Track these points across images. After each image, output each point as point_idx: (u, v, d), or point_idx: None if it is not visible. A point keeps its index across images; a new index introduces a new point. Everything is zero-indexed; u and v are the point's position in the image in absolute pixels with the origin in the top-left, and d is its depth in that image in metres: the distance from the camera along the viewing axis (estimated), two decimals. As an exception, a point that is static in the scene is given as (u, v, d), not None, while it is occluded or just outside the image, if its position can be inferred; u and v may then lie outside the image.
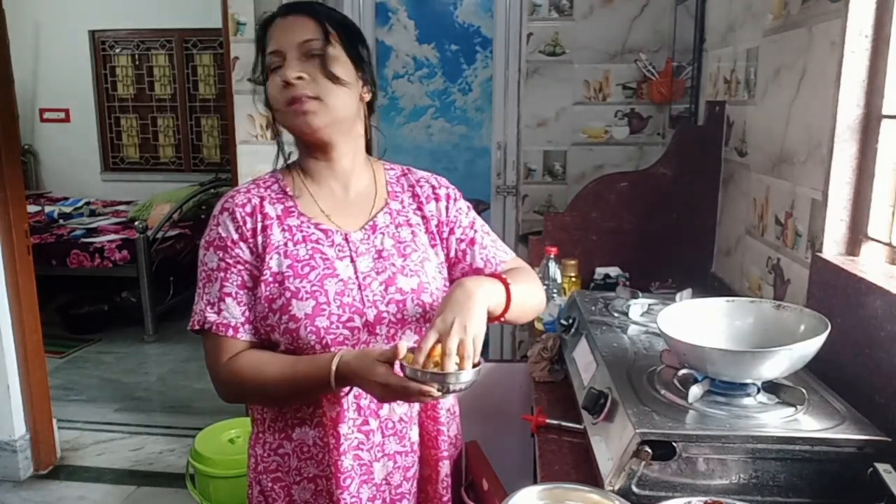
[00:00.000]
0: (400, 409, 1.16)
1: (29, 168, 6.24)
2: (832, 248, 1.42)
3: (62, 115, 6.31)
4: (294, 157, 1.20)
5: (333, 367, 1.00)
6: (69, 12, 6.02)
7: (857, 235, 1.39)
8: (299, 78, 1.06)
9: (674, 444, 1.03)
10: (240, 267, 1.09)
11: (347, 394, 1.08)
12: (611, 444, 1.11)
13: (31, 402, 2.89)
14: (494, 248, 1.24)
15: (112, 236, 4.84)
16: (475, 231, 1.24)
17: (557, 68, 2.91)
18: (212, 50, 6.03)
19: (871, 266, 1.33)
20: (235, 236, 1.09)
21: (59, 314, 4.66)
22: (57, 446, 3.06)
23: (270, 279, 1.08)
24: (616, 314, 1.63)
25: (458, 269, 1.22)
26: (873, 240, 1.36)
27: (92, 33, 6.16)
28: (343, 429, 1.09)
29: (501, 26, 3.06)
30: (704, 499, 0.98)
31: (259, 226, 1.10)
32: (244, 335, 1.09)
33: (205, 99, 6.19)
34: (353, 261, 1.12)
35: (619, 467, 1.04)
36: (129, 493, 2.83)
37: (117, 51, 6.25)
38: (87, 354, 4.41)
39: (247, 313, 1.09)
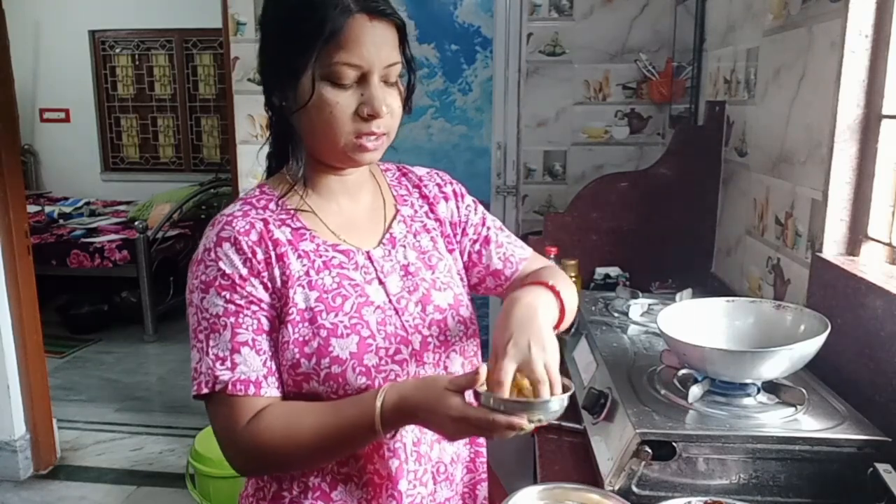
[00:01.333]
0: (451, 448, 1.01)
1: (29, 168, 6.24)
2: (832, 248, 1.42)
3: (62, 115, 6.30)
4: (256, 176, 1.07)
5: (378, 404, 0.83)
6: (69, 12, 6.02)
7: (857, 235, 1.39)
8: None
9: (674, 444, 1.03)
10: (254, 308, 0.89)
11: (394, 436, 0.90)
12: (611, 444, 1.11)
13: (31, 402, 2.89)
14: (511, 246, 1.10)
15: (112, 236, 4.84)
16: (488, 228, 1.09)
17: (557, 68, 2.91)
18: (212, 50, 6.03)
19: (871, 266, 1.33)
20: (244, 271, 0.88)
21: (59, 314, 4.66)
22: (57, 446, 3.06)
23: (298, 318, 0.89)
24: (616, 314, 1.63)
25: (475, 274, 1.08)
26: (873, 240, 1.36)
27: (92, 33, 6.17)
28: (403, 485, 0.93)
29: (501, 26, 3.06)
30: (704, 499, 0.98)
31: (273, 255, 0.90)
32: (268, 390, 0.88)
33: (205, 99, 6.19)
34: (381, 283, 0.95)
35: (620, 467, 1.05)
36: (129, 493, 2.83)
37: (117, 51, 6.25)
38: (87, 354, 4.40)
39: (268, 363, 0.89)
